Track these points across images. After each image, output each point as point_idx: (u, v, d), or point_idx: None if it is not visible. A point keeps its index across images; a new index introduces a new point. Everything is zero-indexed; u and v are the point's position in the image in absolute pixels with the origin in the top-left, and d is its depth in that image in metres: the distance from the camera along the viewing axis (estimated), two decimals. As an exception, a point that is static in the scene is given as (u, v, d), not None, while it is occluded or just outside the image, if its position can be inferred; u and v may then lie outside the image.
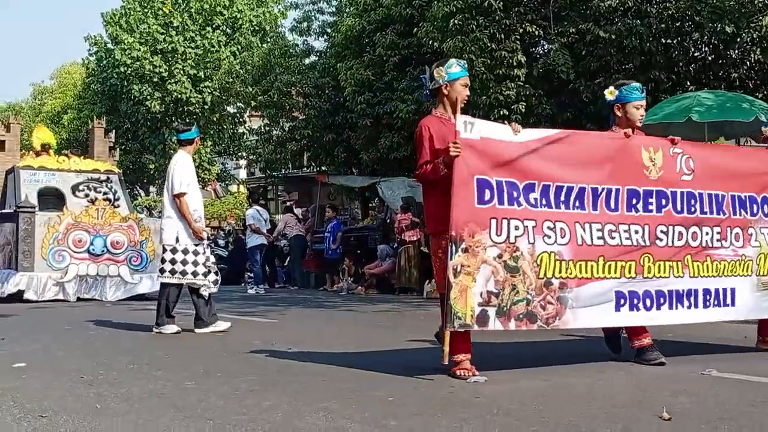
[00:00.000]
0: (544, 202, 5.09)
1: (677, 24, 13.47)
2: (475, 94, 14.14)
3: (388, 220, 17.48)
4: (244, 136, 33.61)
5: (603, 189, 5.30)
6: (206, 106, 34.80)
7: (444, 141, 4.93)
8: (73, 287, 12.78)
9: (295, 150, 22.30)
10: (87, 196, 14.10)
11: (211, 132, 36.63)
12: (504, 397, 4.33)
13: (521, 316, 4.92)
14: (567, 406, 4.14)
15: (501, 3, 13.66)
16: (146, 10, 34.68)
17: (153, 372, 5.29)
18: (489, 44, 13.82)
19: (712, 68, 14.08)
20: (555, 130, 5.55)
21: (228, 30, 35.70)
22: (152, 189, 39.56)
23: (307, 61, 22.36)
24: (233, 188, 39.51)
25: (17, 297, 12.17)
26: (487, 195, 4.90)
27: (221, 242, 23.44)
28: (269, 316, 10.04)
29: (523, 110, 13.81)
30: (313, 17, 22.00)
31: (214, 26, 34.89)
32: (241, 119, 36.00)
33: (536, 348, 6.36)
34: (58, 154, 15.46)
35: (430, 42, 14.93)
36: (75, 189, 14.17)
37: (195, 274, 7.76)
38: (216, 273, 7.99)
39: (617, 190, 5.34)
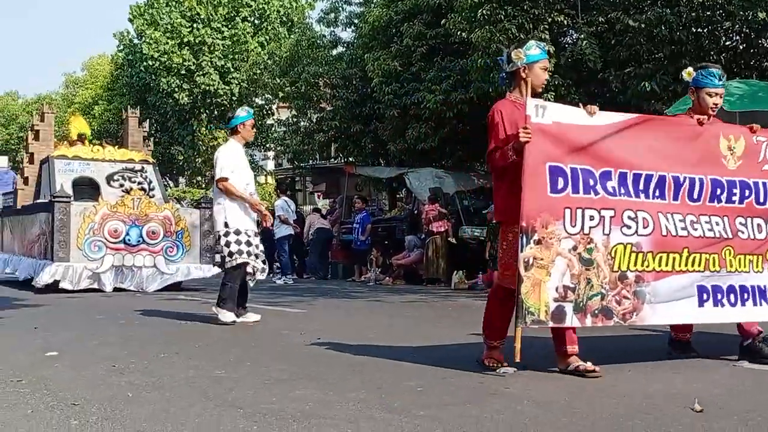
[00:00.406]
0: (622, 190, 4.84)
1: (708, 12, 13.31)
2: (504, 84, 14.09)
3: (416, 211, 17.48)
4: (272, 128, 33.67)
5: (685, 178, 5.04)
6: (234, 98, 34.88)
7: (516, 126, 4.69)
8: (109, 278, 12.64)
9: (323, 141, 22.34)
10: (122, 186, 14.01)
11: (240, 123, 36.75)
12: (535, 389, 4.32)
13: (597, 311, 4.72)
14: (597, 398, 4.12)
15: (530, -8, 13.58)
16: (171, 3, 34.81)
17: (184, 361, 5.33)
18: (517, 34, 13.72)
19: (744, 57, 13.90)
20: (631, 114, 5.24)
21: (256, 21, 35.76)
22: (181, 180, 39.79)
23: (334, 52, 22.37)
24: (261, 179, 39.66)
25: (53, 287, 12.14)
26: (561, 183, 4.68)
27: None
28: (298, 307, 10.08)
29: (552, 100, 13.67)
30: (340, 8, 22.00)
31: (241, 17, 34.97)
32: (269, 111, 36.05)
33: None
34: (92, 143, 15.43)
35: (458, 32, 14.87)
36: (110, 179, 14.13)
37: (249, 254, 7.74)
38: (264, 261, 7.97)
39: (701, 180, 5.09)
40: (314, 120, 22.89)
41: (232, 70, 34.52)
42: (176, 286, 12.99)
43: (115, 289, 12.49)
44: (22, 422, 3.53)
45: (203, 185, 35.69)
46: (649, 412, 3.77)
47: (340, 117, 20.70)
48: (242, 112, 8.21)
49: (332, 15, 21.98)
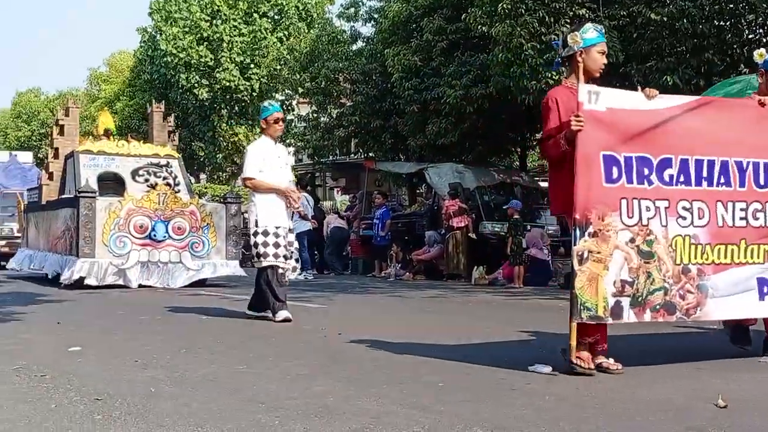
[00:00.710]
0: (681, 179, 4.64)
1: (731, 5, 13.19)
2: (524, 79, 14.05)
3: (436, 206, 17.46)
4: (292, 123, 33.75)
5: (749, 163, 4.81)
6: (254, 94, 34.98)
7: (571, 114, 4.49)
8: (134, 273, 12.43)
9: (343, 136, 22.37)
10: (147, 181, 13.80)
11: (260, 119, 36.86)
12: (558, 385, 4.30)
13: (658, 306, 4.56)
14: (622, 393, 4.10)
15: (550, -14, 13.52)
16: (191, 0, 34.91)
17: (206, 356, 5.36)
18: (539, 28, 13.70)
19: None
20: (692, 97, 5.04)
21: (275, 17, 35.81)
22: (202, 176, 39.95)
23: (354, 47, 22.40)
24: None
25: (78, 283, 12.06)
26: (615, 173, 4.50)
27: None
28: (318, 302, 10.09)
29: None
30: (360, 3, 22.02)
31: (260, 13, 35.03)
32: (289, 106, 36.14)
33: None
34: (117, 138, 15.28)
35: (478, 27, 14.84)
36: (135, 174, 13.90)
37: (276, 256, 7.51)
38: (297, 260, 7.84)
39: (766, 165, 4.85)
40: (334, 115, 22.93)
41: (251, 66, 34.60)
42: (201, 282, 12.92)
43: (141, 286, 12.37)
44: (46, 417, 3.56)
45: (224, 181, 35.83)
46: (671, 407, 3.75)
47: (360, 112, 20.72)
48: (267, 106, 8.01)
49: (352, 10, 22.01)
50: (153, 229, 12.62)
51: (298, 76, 23.82)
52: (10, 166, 24.62)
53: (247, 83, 34.80)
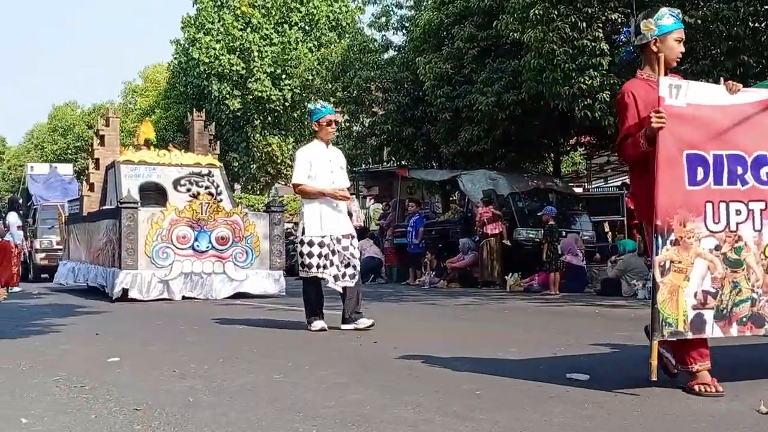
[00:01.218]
0: None
1: (766, 7, 13.03)
2: (557, 84, 13.99)
3: (469, 214, 17.41)
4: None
5: None
6: (287, 104, 35.17)
7: (651, 109, 4.11)
8: (177, 285, 12.22)
9: (375, 145, 22.40)
10: (189, 190, 13.63)
11: (293, 129, 37.03)
12: (597, 392, 4.25)
13: (744, 319, 4.17)
14: (663, 399, 4.04)
15: (583, -9, 13.45)
16: (221, 10, 35.21)
17: (243, 365, 5.38)
18: (571, 33, 13.63)
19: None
20: None
21: (306, 27, 36.01)
22: (237, 186, 40.23)
23: (385, 56, 22.44)
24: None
25: (123, 297, 11.93)
26: (701, 174, 4.11)
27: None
28: (353, 311, 10.08)
29: (608, 99, 13.59)
30: (391, 12, 22.07)
31: (291, 23, 35.24)
32: (321, 116, 36.29)
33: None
34: (158, 148, 15.20)
35: (510, 33, 14.81)
36: (176, 184, 13.77)
37: (319, 267, 7.33)
38: (354, 267, 7.49)
39: None
40: (366, 124, 22.99)
41: (283, 76, 34.81)
42: (244, 293, 12.71)
43: (184, 298, 12.22)
44: (87, 427, 3.60)
45: (258, 191, 36.03)
46: (714, 413, 3.69)
47: (392, 121, 20.74)
48: (319, 107, 7.71)
49: (383, 19, 22.07)
50: (196, 240, 12.44)
51: (330, 86, 23.90)
52: (50, 178, 24.71)
53: (280, 93, 34.99)
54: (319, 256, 7.32)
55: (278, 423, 3.61)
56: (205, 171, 14.15)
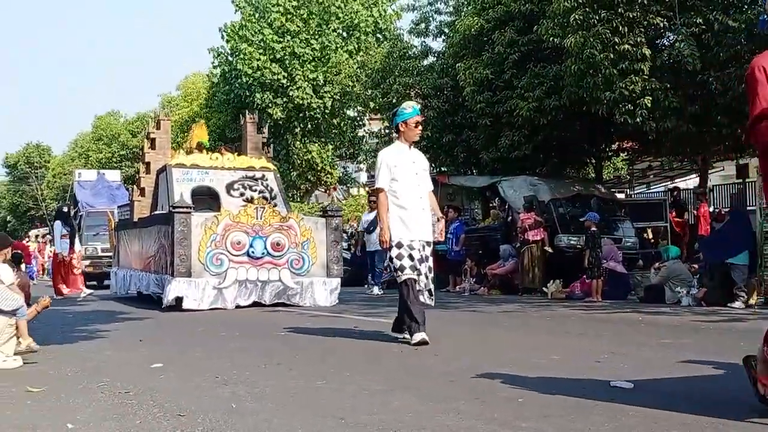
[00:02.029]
0: None
1: (813, 9, 12.81)
2: (598, 90, 13.88)
3: (510, 220, 17.32)
4: (364, 139, 33.91)
5: None
6: (327, 111, 35.32)
7: None
8: (231, 293, 11.74)
9: (415, 151, 22.36)
10: (242, 195, 13.23)
11: (332, 135, 37.20)
12: (642, 401, 4.19)
13: None
14: (706, 409, 3.97)
15: (624, -4, 13.34)
16: (262, 21, 35.48)
17: (285, 372, 5.40)
18: (612, 38, 13.51)
19: None
20: None
21: (344, 34, 36.14)
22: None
23: (425, 62, 22.43)
24: (354, 191, 39.99)
25: (177, 306, 11.51)
26: None
27: (344, 244, 23.72)
28: (392, 317, 10.08)
29: (649, 104, 13.45)
30: (430, 18, 22.06)
31: (331, 29, 35.39)
32: (360, 122, 36.34)
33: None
34: (210, 151, 14.81)
35: (550, 38, 14.73)
36: (229, 188, 13.35)
37: (413, 269, 6.87)
38: (432, 282, 7.10)
39: None
40: (406, 131, 22.97)
41: (324, 83, 34.96)
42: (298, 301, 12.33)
43: (238, 307, 11.80)
44: (132, 432, 3.64)
45: (298, 198, 36.18)
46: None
47: (431, 127, 20.70)
48: (407, 108, 7.27)
49: (423, 25, 22.06)
50: (251, 246, 11.92)
51: (370, 93, 23.95)
52: (98, 185, 24.80)
53: (320, 101, 35.16)
54: (410, 258, 6.89)
55: (321, 430, 3.62)
56: (258, 174, 13.72)
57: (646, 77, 13.57)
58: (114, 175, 27.16)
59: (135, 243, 14.74)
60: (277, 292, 12.08)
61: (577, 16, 13.60)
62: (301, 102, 34.81)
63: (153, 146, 16.76)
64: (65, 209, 18.13)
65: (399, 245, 6.88)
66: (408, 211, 6.96)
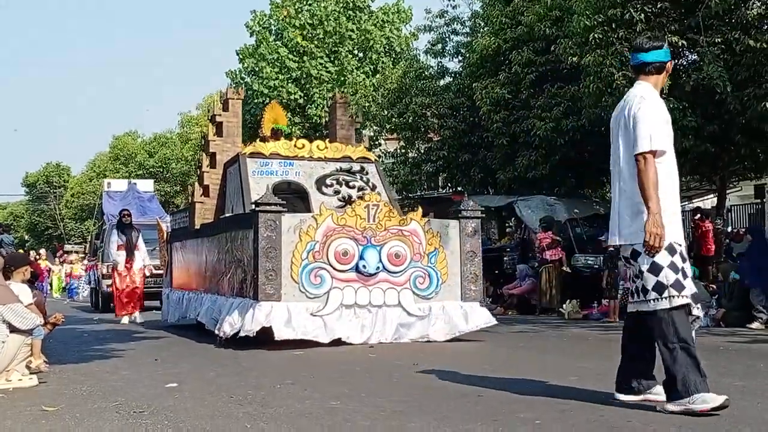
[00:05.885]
0: None
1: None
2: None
3: (526, 239, 17.24)
4: (380, 159, 33.91)
5: None
6: (343, 131, 35.37)
7: None
8: (333, 321, 8.68)
9: (431, 171, 22.39)
10: (337, 192, 10.62)
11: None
12: (659, 423, 4.14)
13: None
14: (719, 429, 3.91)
15: (642, 15, 13.28)
16: (278, 42, 35.69)
17: (300, 392, 5.37)
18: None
19: None
20: None
21: (359, 54, 36.28)
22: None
23: (441, 82, 22.45)
24: (371, 210, 39.95)
25: (261, 337, 8.55)
26: None
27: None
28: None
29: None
30: (447, 38, 22.11)
31: (346, 50, 35.54)
32: (376, 142, 36.44)
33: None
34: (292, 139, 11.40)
35: (569, 57, 14.70)
36: (321, 183, 10.61)
37: (678, 286, 4.46)
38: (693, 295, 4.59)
39: None
40: (422, 150, 23.00)
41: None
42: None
43: (340, 342, 8.67)
44: (146, 452, 3.60)
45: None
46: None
47: (448, 147, 20.71)
48: (660, 46, 4.77)
49: (439, 45, 22.10)
50: (361, 257, 8.90)
51: (386, 113, 23.98)
52: (127, 196, 22.44)
53: (338, 120, 35.18)
54: (684, 273, 4.52)
55: (335, 451, 3.58)
56: (356, 167, 10.89)
57: (665, 96, 13.50)
58: (146, 185, 24.46)
59: (197, 256, 11.57)
60: (395, 325, 8.99)
61: (595, 35, 13.56)
62: (318, 121, 34.93)
63: (219, 132, 12.63)
64: (124, 220, 14.66)
65: (671, 249, 4.50)
66: (673, 197, 4.63)
